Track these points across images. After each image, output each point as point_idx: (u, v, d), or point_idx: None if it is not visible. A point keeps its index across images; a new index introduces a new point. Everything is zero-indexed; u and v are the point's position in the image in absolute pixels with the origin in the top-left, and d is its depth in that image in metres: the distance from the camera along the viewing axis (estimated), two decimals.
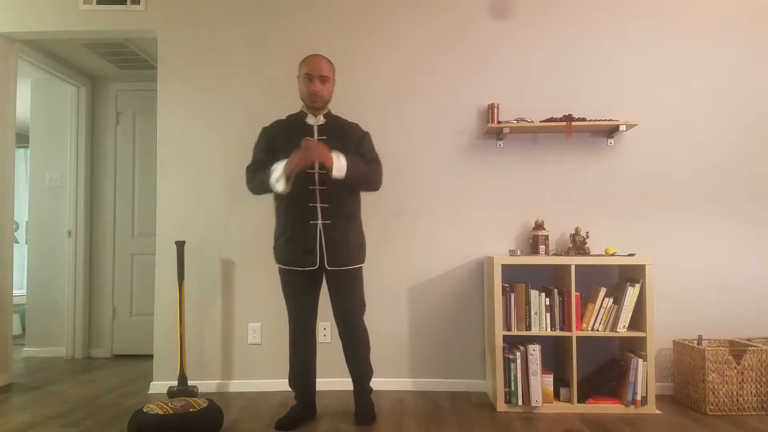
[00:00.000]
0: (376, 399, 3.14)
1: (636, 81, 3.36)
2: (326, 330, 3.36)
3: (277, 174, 2.47)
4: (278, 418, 2.71)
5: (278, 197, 2.62)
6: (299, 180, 2.52)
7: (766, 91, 3.34)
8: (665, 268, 3.29)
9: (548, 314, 2.96)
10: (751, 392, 2.87)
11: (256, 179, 2.59)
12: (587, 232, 3.18)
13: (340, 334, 2.73)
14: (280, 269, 2.70)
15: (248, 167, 2.68)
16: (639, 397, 2.87)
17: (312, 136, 2.61)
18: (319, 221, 2.57)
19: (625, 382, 2.92)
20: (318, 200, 2.57)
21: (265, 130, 2.73)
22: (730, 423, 2.73)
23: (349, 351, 2.73)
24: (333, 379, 3.33)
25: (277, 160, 2.55)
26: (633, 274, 3.04)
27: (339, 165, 2.49)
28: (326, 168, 2.49)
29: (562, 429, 2.63)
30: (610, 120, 3.21)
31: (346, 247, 2.61)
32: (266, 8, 3.47)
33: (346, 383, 3.32)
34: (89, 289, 4.47)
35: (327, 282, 2.70)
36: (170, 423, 2.37)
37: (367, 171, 2.64)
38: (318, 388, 3.32)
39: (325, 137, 2.61)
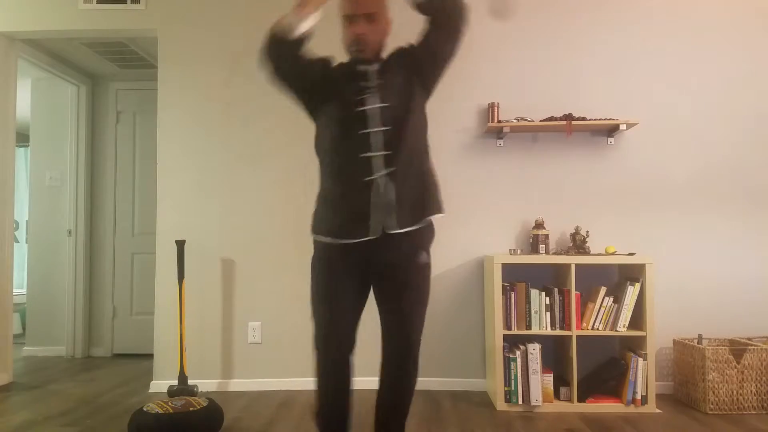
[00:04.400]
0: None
1: (636, 80, 3.36)
2: None
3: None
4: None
5: (323, 157, 1.95)
6: (343, 122, 1.87)
7: (767, 90, 3.34)
8: (665, 267, 3.29)
9: (548, 313, 2.96)
10: (751, 391, 2.87)
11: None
12: (587, 231, 3.18)
13: (385, 358, 1.94)
14: (316, 245, 1.93)
15: None
16: (639, 396, 2.87)
17: (367, 81, 1.90)
18: (376, 174, 1.83)
19: (625, 381, 2.92)
20: (371, 147, 1.84)
21: (325, 59, 2.03)
22: (730, 422, 2.73)
23: (394, 393, 1.95)
24: None
25: (315, 90, 1.93)
26: (633, 273, 3.04)
27: None
28: None
29: (563, 428, 2.63)
30: (610, 119, 3.20)
31: (418, 200, 1.90)
32: (266, 8, 3.46)
33: None
34: (89, 288, 4.47)
35: (379, 280, 1.91)
36: (170, 422, 2.37)
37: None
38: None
39: (382, 81, 1.90)
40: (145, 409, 2.42)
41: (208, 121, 3.44)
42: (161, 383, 3.32)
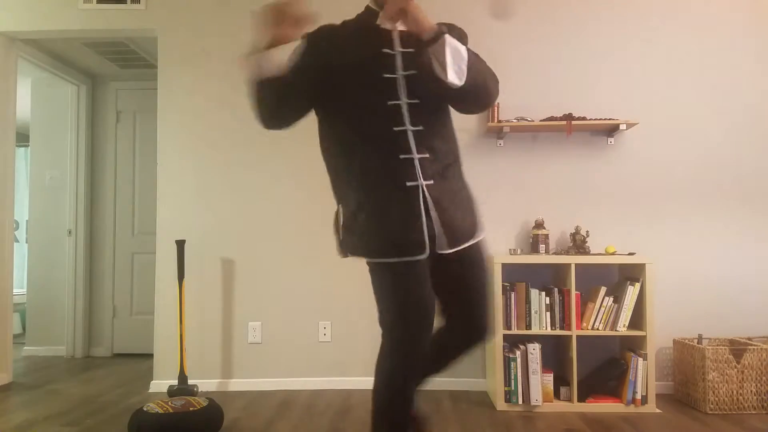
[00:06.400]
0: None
1: (636, 80, 3.36)
2: (326, 329, 3.36)
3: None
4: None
5: (331, 151, 1.72)
6: (374, 119, 1.63)
7: (767, 90, 3.34)
8: (665, 267, 3.29)
9: (548, 313, 2.96)
10: (751, 391, 2.87)
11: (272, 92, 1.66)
12: (587, 231, 3.18)
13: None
14: (371, 266, 1.66)
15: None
16: (639, 396, 2.87)
17: (391, 48, 1.67)
18: (421, 181, 1.62)
19: (625, 381, 2.92)
20: (413, 147, 1.62)
21: (309, 37, 1.76)
22: (730, 422, 2.73)
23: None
24: (333, 378, 3.33)
25: (319, 85, 1.68)
26: (633, 273, 3.04)
27: (454, 51, 1.60)
28: (425, 47, 1.57)
29: (563, 428, 2.63)
30: (610, 119, 3.20)
31: (462, 213, 1.76)
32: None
33: (345, 382, 3.33)
34: (89, 288, 4.47)
35: (438, 271, 1.69)
36: (170, 422, 2.37)
37: (487, 67, 1.72)
38: (317, 387, 3.34)
39: (412, 50, 1.68)
40: (145, 409, 2.42)
41: (208, 120, 3.44)
42: (161, 383, 3.31)
